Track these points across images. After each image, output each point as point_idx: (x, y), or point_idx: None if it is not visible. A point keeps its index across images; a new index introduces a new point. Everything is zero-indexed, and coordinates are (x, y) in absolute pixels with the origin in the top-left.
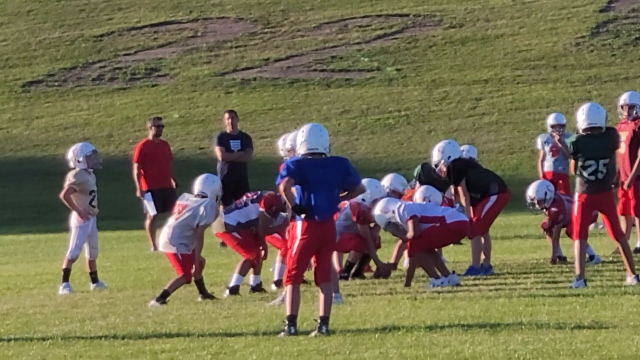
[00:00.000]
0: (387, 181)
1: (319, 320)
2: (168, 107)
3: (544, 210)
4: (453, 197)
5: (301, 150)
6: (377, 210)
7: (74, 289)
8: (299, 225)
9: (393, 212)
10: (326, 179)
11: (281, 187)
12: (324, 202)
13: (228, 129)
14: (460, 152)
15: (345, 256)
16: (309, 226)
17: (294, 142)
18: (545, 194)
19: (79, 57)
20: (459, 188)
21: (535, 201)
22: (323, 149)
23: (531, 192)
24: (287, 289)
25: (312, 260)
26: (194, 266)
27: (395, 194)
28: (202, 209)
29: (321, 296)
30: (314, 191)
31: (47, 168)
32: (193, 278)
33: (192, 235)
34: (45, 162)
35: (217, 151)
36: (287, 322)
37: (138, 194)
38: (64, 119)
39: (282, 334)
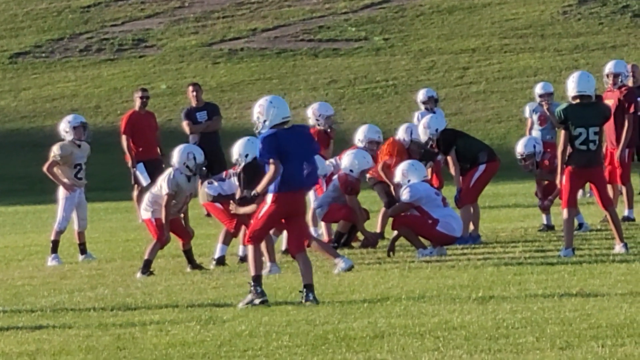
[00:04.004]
0: (361, 133)
1: (304, 290)
2: (155, 77)
3: (536, 166)
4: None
5: (276, 121)
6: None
7: (62, 260)
8: (269, 196)
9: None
10: (302, 147)
11: (275, 172)
12: (300, 172)
13: (193, 102)
14: (445, 121)
15: (334, 227)
16: (279, 197)
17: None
18: (534, 146)
19: (66, 28)
20: (449, 158)
21: (525, 156)
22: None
23: (520, 147)
24: (249, 249)
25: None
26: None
27: (373, 144)
28: (161, 179)
29: (300, 266)
30: (291, 162)
31: (35, 139)
32: (182, 248)
33: None
34: (33, 134)
35: (185, 126)
36: (252, 282)
37: (130, 165)
38: (52, 90)
39: (250, 295)
